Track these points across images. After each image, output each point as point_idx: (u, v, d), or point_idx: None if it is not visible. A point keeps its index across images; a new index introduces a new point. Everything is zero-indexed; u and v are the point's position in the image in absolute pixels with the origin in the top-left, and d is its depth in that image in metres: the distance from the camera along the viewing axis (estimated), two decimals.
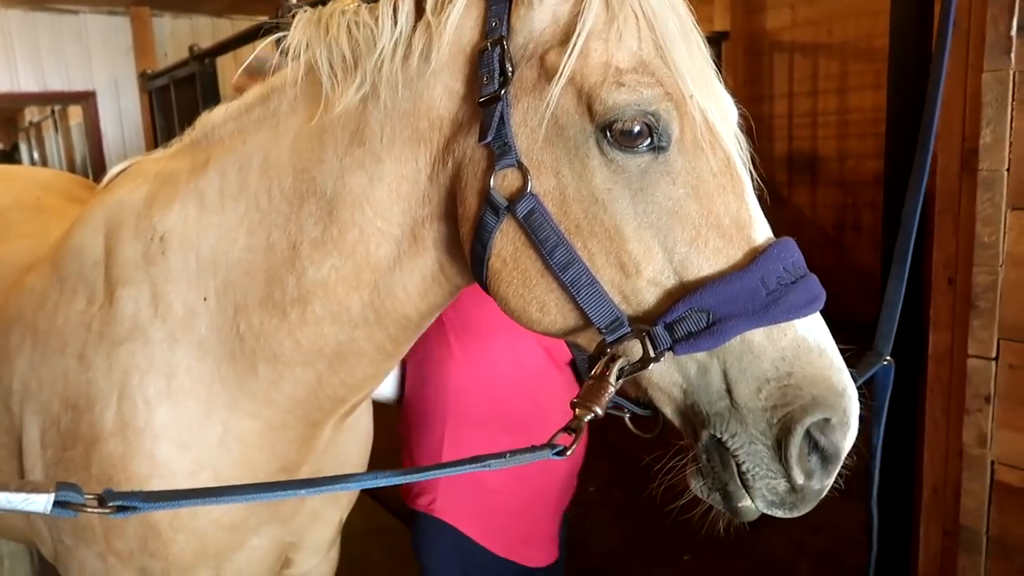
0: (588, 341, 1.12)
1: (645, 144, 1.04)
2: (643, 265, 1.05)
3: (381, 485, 1.03)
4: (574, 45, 1.05)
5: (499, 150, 1.09)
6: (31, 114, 13.40)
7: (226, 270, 1.37)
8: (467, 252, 1.17)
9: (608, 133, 1.04)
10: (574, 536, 4.22)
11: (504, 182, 1.10)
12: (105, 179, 1.68)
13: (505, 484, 1.98)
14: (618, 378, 1.06)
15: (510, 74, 1.09)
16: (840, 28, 6.84)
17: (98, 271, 1.48)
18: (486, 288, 1.18)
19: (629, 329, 1.05)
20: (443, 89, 1.16)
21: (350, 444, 1.75)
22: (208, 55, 5.32)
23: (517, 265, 1.11)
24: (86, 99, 7.78)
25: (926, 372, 1.97)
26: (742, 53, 7.42)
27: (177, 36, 7.89)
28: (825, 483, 1.06)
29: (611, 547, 4.12)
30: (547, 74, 1.07)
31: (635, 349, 1.06)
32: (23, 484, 0.94)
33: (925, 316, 1.97)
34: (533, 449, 1.04)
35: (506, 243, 1.11)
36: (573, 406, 1.07)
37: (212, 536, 1.48)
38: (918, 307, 1.99)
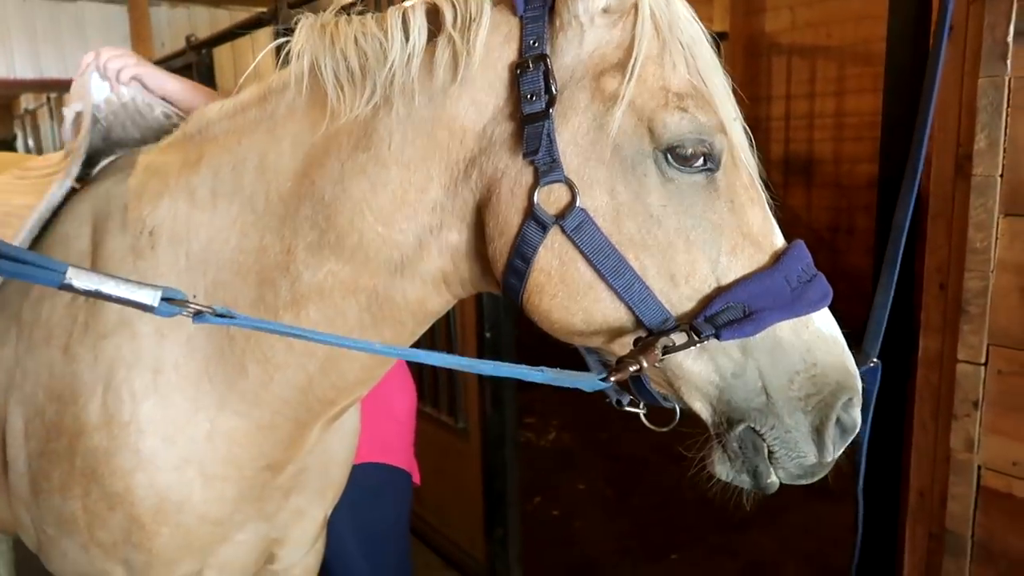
0: (621, 347, 1.17)
1: (699, 164, 1.11)
2: (691, 276, 1.12)
3: (443, 365, 1.18)
4: (632, 69, 1.10)
5: (545, 166, 1.12)
6: (26, 101, 13.34)
7: (216, 269, 1.37)
8: (501, 266, 1.19)
9: (669, 155, 1.10)
10: (562, 534, 4.23)
11: (550, 197, 1.13)
12: (95, 169, 1.67)
13: (405, 413, 2.40)
14: (664, 353, 1.11)
15: (555, 92, 1.12)
16: (839, 31, 6.85)
17: (84, 262, 1.47)
18: (520, 303, 1.20)
19: (675, 325, 1.12)
20: (470, 102, 1.18)
21: (336, 444, 1.75)
22: (205, 45, 5.29)
23: (564, 278, 1.15)
24: None
25: (915, 376, 1.98)
26: (741, 54, 7.43)
27: (174, 26, 7.87)
28: (839, 451, 1.18)
29: (599, 545, 4.13)
30: (604, 96, 1.12)
31: (679, 340, 1.11)
32: (134, 281, 1.04)
33: (916, 320, 1.98)
34: (576, 373, 1.16)
35: (552, 257, 1.14)
36: (622, 358, 1.13)
37: (196, 530, 1.48)
38: (909, 311, 1.99)
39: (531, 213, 1.13)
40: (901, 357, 2.00)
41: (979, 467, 1.84)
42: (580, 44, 1.14)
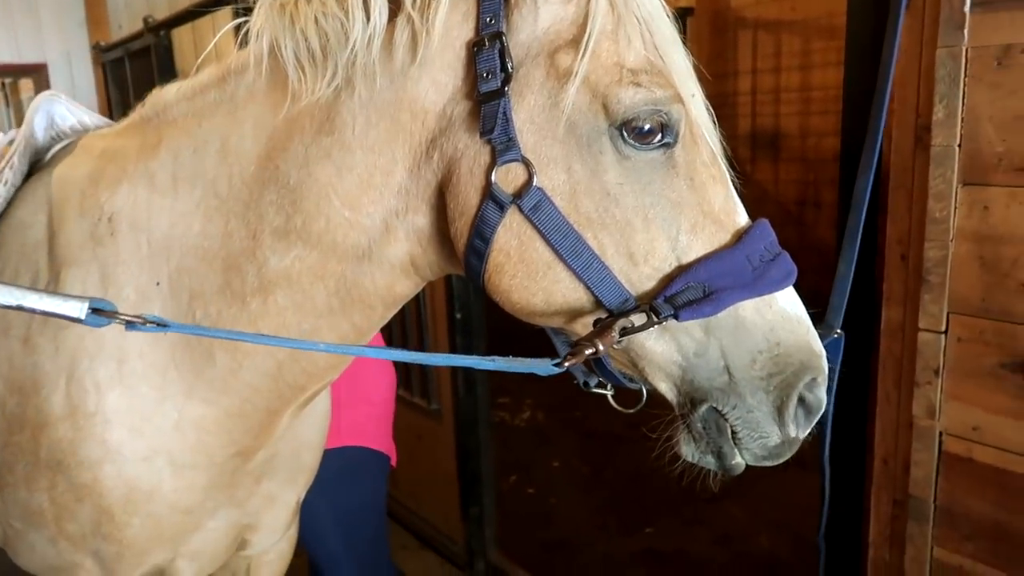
0: (583, 327, 1.17)
1: (657, 140, 1.10)
2: (650, 254, 1.12)
3: (394, 359, 1.17)
4: (586, 45, 1.08)
5: (502, 145, 1.11)
6: None
7: (180, 255, 1.34)
8: (462, 247, 1.18)
9: (624, 131, 1.10)
10: (538, 511, 4.27)
11: (508, 177, 1.12)
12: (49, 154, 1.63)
13: (381, 397, 2.45)
14: (622, 334, 1.10)
15: (511, 71, 1.10)
16: (803, 5, 6.86)
17: (41, 250, 1.43)
18: (481, 283, 1.19)
19: (635, 305, 1.12)
20: (430, 82, 1.16)
21: (307, 428, 1.74)
22: (163, 27, 5.17)
23: (523, 258, 1.14)
24: (37, 72, 7.52)
25: (879, 346, 2.01)
26: (707, 29, 7.42)
27: (132, 7, 7.65)
28: (805, 432, 1.18)
29: (574, 521, 4.17)
30: (558, 73, 1.10)
31: (639, 320, 1.10)
32: (60, 293, 1.02)
33: (879, 291, 2.00)
34: (533, 360, 1.14)
35: (510, 237, 1.13)
36: (577, 342, 1.12)
37: (167, 519, 1.46)
38: (872, 282, 2.02)
39: (489, 193, 1.12)
40: (864, 328, 2.02)
41: (940, 433, 1.88)
42: (535, 21, 1.12)
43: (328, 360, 1.42)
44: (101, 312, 1.02)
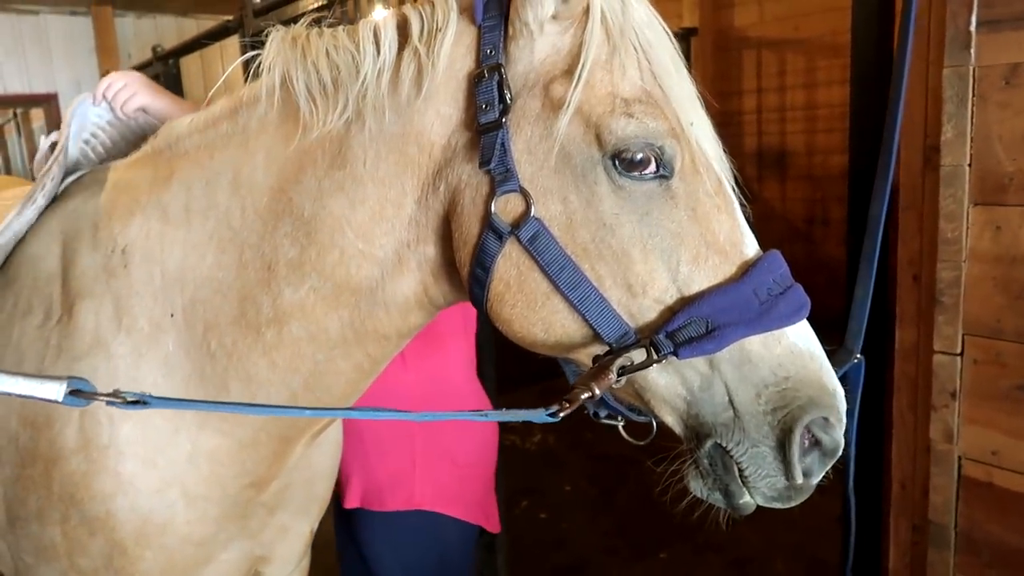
0: (587, 356, 1.15)
1: (651, 172, 1.08)
2: (649, 285, 1.09)
3: (385, 418, 1.11)
4: (579, 76, 1.08)
5: (500, 176, 1.10)
6: None
7: (194, 287, 1.34)
8: (465, 276, 1.18)
9: (616, 161, 1.08)
10: (549, 536, 4.22)
11: (506, 207, 1.12)
12: (58, 186, 1.62)
13: (468, 458, 2.15)
14: (620, 374, 1.08)
15: (509, 102, 1.10)
16: (807, 24, 6.89)
17: (54, 283, 1.43)
18: (486, 312, 1.19)
19: (635, 340, 1.09)
20: (435, 115, 1.17)
21: (320, 457, 1.72)
22: (172, 55, 5.23)
23: (521, 288, 1.13)
24: (48, 101, 7.64)
25: (892, 368, 1.98)
26: (711, 49, 7.46)
27: (140, 36, 7.77)
28: (820, 476, 1.13)
29: (587, 545, 4.12)
30: (552, 104, 1.10)
31: (639, 357, 1.08)
32: (36, 375, 0.98)
33: (891, 312, 1.98)
34: (527, 410, 1.10)
35: (509, 267, 1.13)
36: (574, 386, 1.09)
37: (180, 552, 1.45)
38: (884, 304, 2.00)
39: (488, 223, 1.11)
40: (877, 349, 2.00)
41: (959, 457, 1.84)
42: (532, 52, 1.12)
43: (343, 390, 1.41)
44: (80, 393, 0.99)
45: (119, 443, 1.36)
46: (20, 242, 1.53)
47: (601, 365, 1.09)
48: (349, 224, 1.23)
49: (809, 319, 1.13)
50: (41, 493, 1.40)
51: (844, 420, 1.11)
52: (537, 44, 1.12)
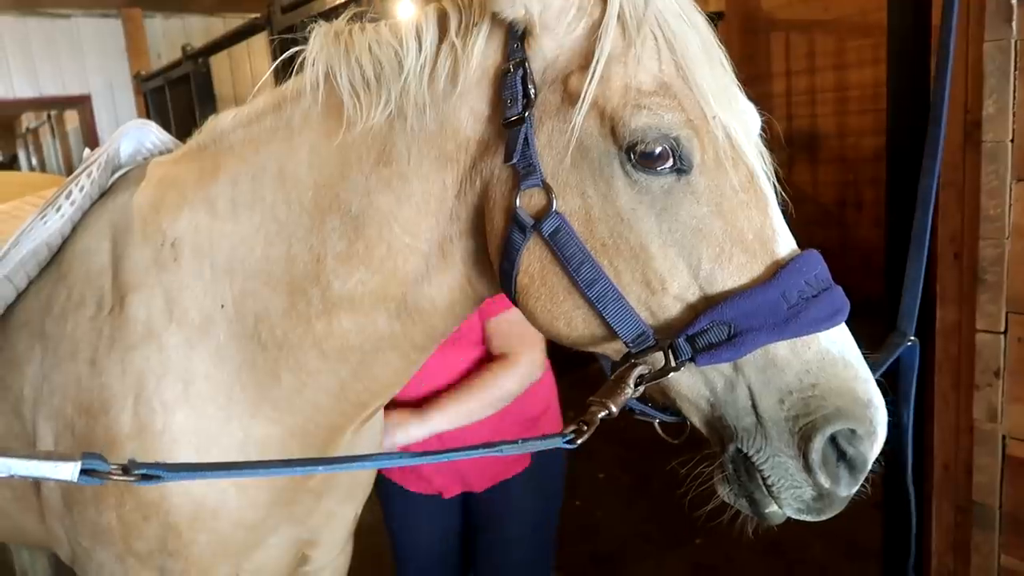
0: (615, 352, 1.14)
1: (667, 166, 1.06)
2: (668, 282, 1.07)
3: (399, 464, 1.08)
4: (594, 70, 1.06)
5: (524, 170, 1.11)
6: (28, 120, 13.38)
7: (243, 279, 1.37)
8: (496, 268, 1.19)
9: (631, 155, 1.06)
10: (584, 523, 4.23)
11: (530, 201, 1.12)
12: (107, 179, 1.65)
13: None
14: (637, 384, 1.08)
15: (533, 96, 1.10)
16: (836, 4, 6.78)
17: (105, 276, 1.47)
18: (515, 302, 1.20)
19: (654, 342, 1.08)
20: (469, 111, 1.18)
21: (365, 443, 1.75)
22: (201, 54, 5.30)
23: (544, 282, 1.13)
24: (82, 103, 7.77)
25: (934, 348, 1.96)
26: (738, 32, 7.37)
27: (170, 36, 7.86)
28: (852, 490, 1.08)
29: (621, 532, 4.13)
30: (570, 98, 1.10)
31: (659, 360, 1.07)
32: (49, 453, 0.98)
33: (932, 291, 1.95)
34: (545, 437, 1.08)
35: (533, 260, 1.13)
36: (589, 403, 1.08)
37: (231, 536, 1.48)
38: (925, 282, 1.97)
39: (513, 216, 1.12)
40: (919, 329, 1.97)
41: (1003, 437, 1.82)
42: (552, 47, 1.12)
43: (390, 378, 1.43)
44: (93, 472, 0.96)
45: (173, 430, 1.39)
46: (70, 238, 1.57)
47: (617, 377, 1.08)
48: (396, 219, 1.24)
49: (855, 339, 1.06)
50: None
51: (878, 433, 1.05)
52: (557, 39, 1.12)
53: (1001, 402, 1.80)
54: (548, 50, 1.12)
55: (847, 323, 1.07)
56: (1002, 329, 1.78)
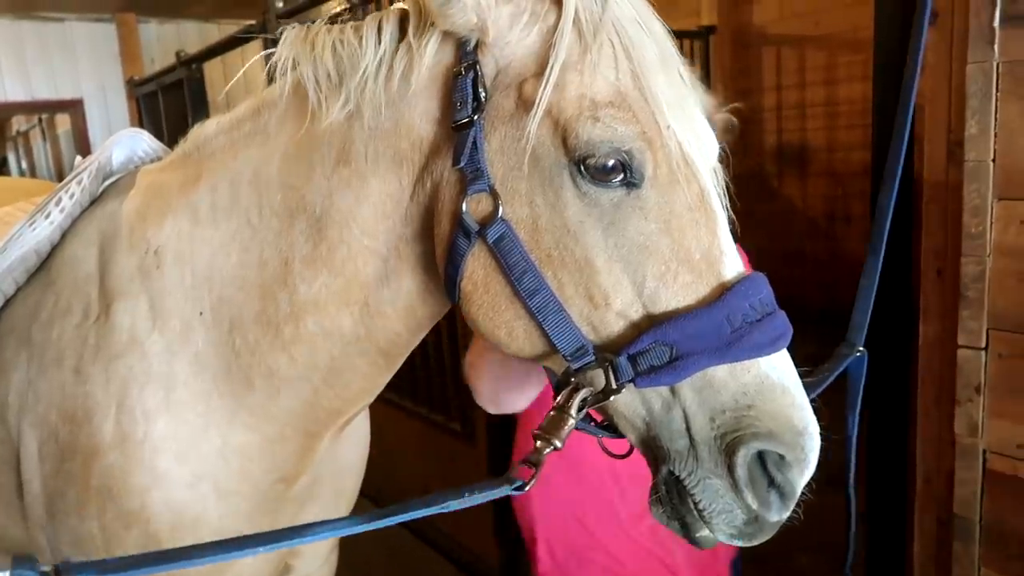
0: (557, 365, 1.13)
1: (618, 179, 1.04)
2: (612, 297, 1.05)
3: (357, 531, 1.01)
4: (548, 78, 1.04)
5: (472, 175, 1.09)
6: (18, 123, 13.32)
7: (220, 285, 1.37)
8: (441, 272, 1.18)
9: (582, 167, 1.04)
10: None
11: (477, 206, 1.10)
12: (95, 187, 1.66)
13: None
14: (580, 409, 1.07)
15: (483, 100, 1.09)
16: (827, 20, 6.83)
17: (92, 284, 1.47)
18: (459, 308, 1.19)
19: (593, 358, 1.06)
20: (422, 111, 1.18)
21: (348, 451, 1.75)
22: (195, 60, 5.29)
23: (488, 289, 1.12)
24: (73, 107, 7.74)
25: (916, 363, 1.98)
26: (730, 47, 7.41)
27: (164, 41, 7.85)
28: (783, 516, 1.07)
29: None
30: (524, 105, 1.08)
31: (599, 378, 1.06)
32: None
33: (915, 307, 1.98)
34: (491, 485, 1.03)
35: (477, 267, 1.12)
36: (535, 438, 1.07)
37: None
38: (908, 298, 2.00)
39: (459, 221, 1.11)
40: (902, 344, 2.00)
41: (984, 451, 1.84)
42: (507, 51, 1.11)
43: (361, 386, 1.43)
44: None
45: (154, 438, 1.39)
46: (59, 244, 1.58)
47: (559, 407, 1.07)
48: (355, 220, 1.25)
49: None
50: (79, 487, 1.44)
51: (809, 461, 1.03)
52: (512, 43, 1.10)
53: (982, 417, 1.83)
54: (500, 56, 1.11)
55: (793, 343, 1.07)
56: (983, 345, 1.81)
